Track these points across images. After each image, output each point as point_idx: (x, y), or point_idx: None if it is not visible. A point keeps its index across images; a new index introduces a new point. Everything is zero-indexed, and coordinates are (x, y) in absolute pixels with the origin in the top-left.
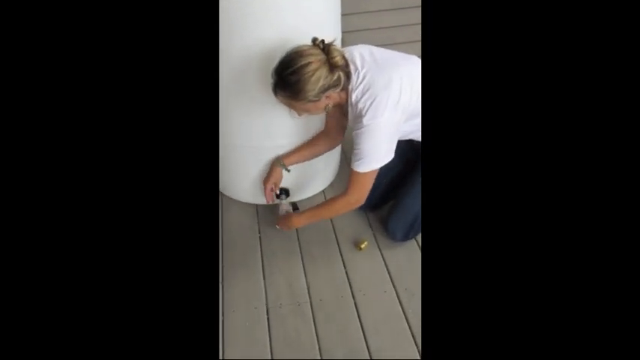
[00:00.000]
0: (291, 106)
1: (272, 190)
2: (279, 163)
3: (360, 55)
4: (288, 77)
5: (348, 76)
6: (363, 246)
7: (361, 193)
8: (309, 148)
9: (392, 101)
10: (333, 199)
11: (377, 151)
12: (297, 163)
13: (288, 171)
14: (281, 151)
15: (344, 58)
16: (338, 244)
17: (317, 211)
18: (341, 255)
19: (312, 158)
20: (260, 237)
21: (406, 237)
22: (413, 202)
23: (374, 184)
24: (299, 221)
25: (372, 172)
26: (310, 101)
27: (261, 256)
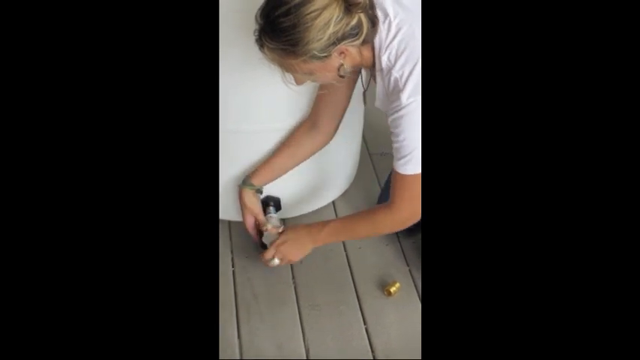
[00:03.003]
0: (284, 67)
1: (256, 227)
2: (245, 184)
3: None
4: (279, 20)
5: (373, 22)
6: (393, 289)
7: (414, 206)
8: (286, 154)
9: None
10: (374, 211)
11: None
12: (272, 179)
13: (260, 192)
14: (273, 138)
15: None
16: (355, 287)
17: (349, 224)
18: (359, 303)
19: (293, 167)
20: (234, 272)
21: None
22: None
23: None
24: (320, 237)
25: None
26: (315, 58)
27: (235, 302)
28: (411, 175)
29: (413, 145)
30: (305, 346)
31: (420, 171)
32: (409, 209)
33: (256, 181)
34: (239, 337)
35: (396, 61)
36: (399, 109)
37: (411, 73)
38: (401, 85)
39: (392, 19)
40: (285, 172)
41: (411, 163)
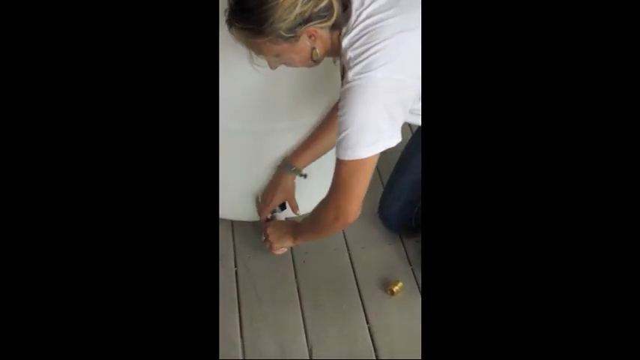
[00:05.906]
0: (252, 48)
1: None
2: (287, 168)
3: None
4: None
5: (345, 6)
6: (396, 289)
7: (350, 198)
8: (326, 133)
9: (402, 59)
10: (316, 209)
11: (371, 125)
12: (313, 160)
13: (305, 177)
14: (279, 139)
15: None
16: (357, 286)
17: (305, 227)
18: (362, 302)
19: (332, 147)
20: (237, 272)
21: (403, 223)
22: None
23: (410, 190)
24: (297, 234)
25: (365, 161)
26: (282, 38)
27: (238, 303)
28: (346, 161)
29: (349, 123)
30: (308, 345)
31: (354, 157)
32: (343, 201)
33: (299, 164)
34: (242, 337)
35: (353, 43)
36: (345, 85)
37: (363, 53)
38: (352, 63)
39: (365, 8)
40: (325, 152)
41: (342, 144)
